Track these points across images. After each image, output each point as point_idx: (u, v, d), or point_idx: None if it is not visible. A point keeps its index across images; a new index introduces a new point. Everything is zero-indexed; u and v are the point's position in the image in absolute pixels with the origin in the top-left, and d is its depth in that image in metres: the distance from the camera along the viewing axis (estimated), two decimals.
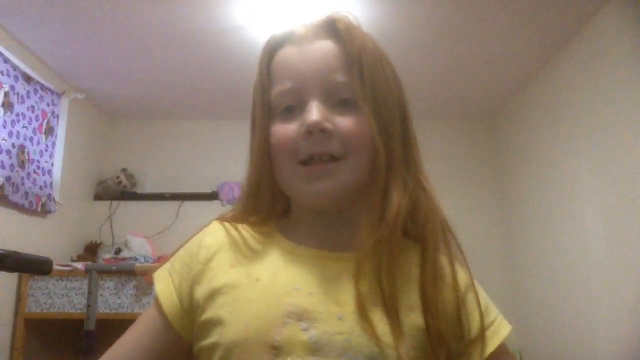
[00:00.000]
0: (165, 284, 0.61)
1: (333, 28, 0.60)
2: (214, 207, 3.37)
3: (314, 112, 0.56)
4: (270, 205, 0.64)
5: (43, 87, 2.73)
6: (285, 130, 0.58)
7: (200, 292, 0.58)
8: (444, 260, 0.59)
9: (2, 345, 2.42)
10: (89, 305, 2.01)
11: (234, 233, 0.62)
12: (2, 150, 2.35)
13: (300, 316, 0.53)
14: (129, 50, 2.66)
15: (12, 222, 2.49)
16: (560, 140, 2.74)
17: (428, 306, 0.55)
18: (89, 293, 2.04)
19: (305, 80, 0.58)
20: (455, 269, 0.59)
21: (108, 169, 3.48)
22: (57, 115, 2.89)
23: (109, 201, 3.37)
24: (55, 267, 2.15)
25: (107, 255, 3.02)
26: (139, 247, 3.02)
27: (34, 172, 2.63)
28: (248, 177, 0.64)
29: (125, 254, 2.97)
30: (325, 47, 0.59)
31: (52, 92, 2.82)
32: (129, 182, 3.41)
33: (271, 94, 0.60)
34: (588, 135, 2.47)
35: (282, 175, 0.60)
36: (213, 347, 0.55)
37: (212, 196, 3.39)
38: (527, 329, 3.12)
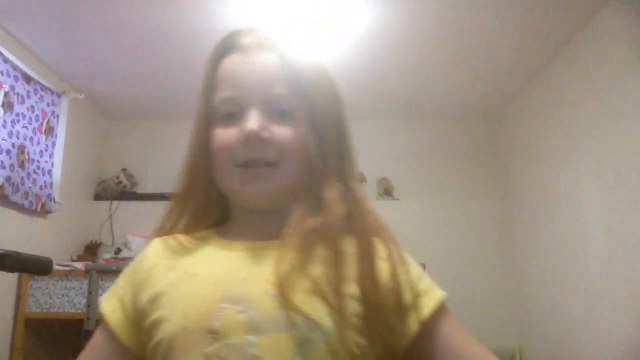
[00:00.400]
0: (110, 303, 0.63)
1: (277, 42, 0.64)
2: None
3: (253, 121, 0.60)
4: (202, 205, 0.67)
5: (43, 87, 2.73)
6: (225, 135, 0.62)
7: (144, 299, 0.60)
8: (377, 241, 0.62)
9: (2, 345, 2.42)
10: (89, 305, 2.01)
11: (172, 241, 0.65)
12: (2, 150, 2.35)
13: (236, 300, 0.55)
14: (129, 50, 2.66)
15: (12, 222, 2.49)
16: (561, 140, 2.74)
17: (364, 277, 0.57)
18: (89, 293, 2.04)
19: (247, 90, 0.62)
20: (388, 245, 0.61)
21: (108, 169, 3.48)
22: (57, 115, 2.89)
23: (109, 201, 3.37)
24: (55, 267, 2.15)
25: (107, 255, 3.02)
26: (139, 247, 3.02)
27: (34, 172, 2.63)
28: (183, 175, 0.68)
29: (125, 254, 2.98)
30: (268, 59, 0.63)
31: (52, 92, 2.82)
32: (129, 182, 3.41)
33: (214, 99, 0.64)
34: (588, 136, 2.47)
35: (221, 175, 0.63)
36: (157, 345, 0.57)
37: None
38: (527, 329, 3.12)
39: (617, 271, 2.25)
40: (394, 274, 0.59)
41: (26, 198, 2.53)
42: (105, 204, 3.37)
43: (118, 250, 3.04)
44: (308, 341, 0.53)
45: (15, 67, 2.49)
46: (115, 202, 3.37)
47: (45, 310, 2.48)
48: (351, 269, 0.57)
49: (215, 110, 0.63)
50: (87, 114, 3.32)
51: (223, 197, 0.66)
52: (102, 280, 2.45)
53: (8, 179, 2.37)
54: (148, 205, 3.39)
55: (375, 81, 3.03)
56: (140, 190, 3.47)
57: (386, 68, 2.86)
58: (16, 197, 2.44)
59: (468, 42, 2.60)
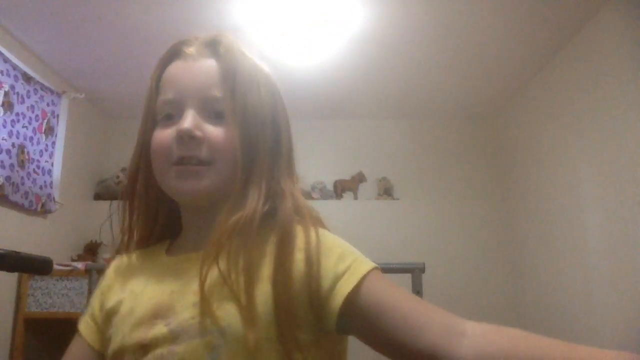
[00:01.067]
0: (84, 322, 0.70)
1: (216, 48, 0.68)
2: None
3: (187, 121, 0.63)
4: (147, 206, 0.72)
5: (43, 87, 2.73)
6: (163, 135, 0.65)
7: (103, 316, 0.68)
8: (298, 231, 0.62)
9: (2, 345, 2.42)
10: (89, 305, 2.01)
11: (125, 260, 0.72)
12: (2, 150, 2.36)
13: (165, 314, 0.59)
14: (129, 50, 2.66)
15: (12, 222, 2.49)
16: (560, 140, 2.74)
17: (276, 275, 0.58)
18: (89, 293, 2.03)
19: (185, 93, 0.66)
20: (307, 233, 0.61)
21: (108, 169, 3.48)
22: (57, 115, 2.89)
23: (109, 201, 3.36)
24: (55, 267, 2.15)
25: (107, 255, 3.02)
26: None
27: (34, 172, 2.63)
28: (127, 176, 0.73)
29: None
30: (207, 65, 0.67)
31: (52, 92, 2.82)
32: None
33: (157, 102, 0.68)
34: (588, 135, 2.47)
35: (158, 173, 0.67)
36: (109, 358, 0.63)
37: None
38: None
39: (617, 270, 2.25)
40: (308, 264, 0.59)
41: (26, 198, 2.53)
42: (105, 204, 3.37)
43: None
44: (219, 346, 0.56)
45: (15, 67, 2.49)
46: (116, 202, 3.37)
47: (45, 310, 2.49)
48: (267, 267, 0.59)
49: (157, 113, 0.67)
50: (87, 114, 3.32)
51: (171, 201, 0.70)
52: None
53: (8, 178, 2.37)
54: None
55: (375, 81, 3.03)
56: None
57: (386, 68, 2.86)
58: (16, 197, 2.44)
59: (467, 42, 2.60)
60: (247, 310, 0.56)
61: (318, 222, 0.65)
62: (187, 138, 0.63)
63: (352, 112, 3.48)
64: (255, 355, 0.55)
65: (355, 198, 3.46)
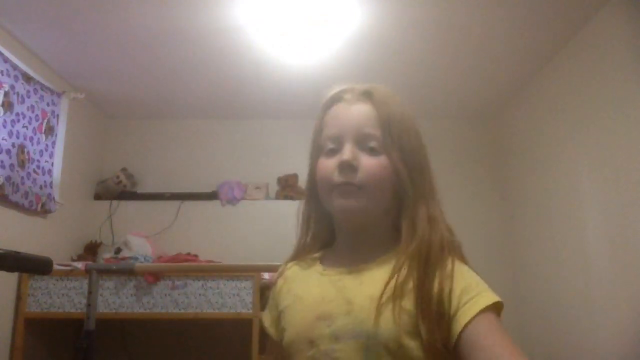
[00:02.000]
0: (266, 315, 0.91)
1: (371, 95, 0.84)
2: (214, 207, 3.37)
3: (347, 152, 0.78)
4: (317, 221, 0.87)
5: (43, 87, 2.73)
6: (326, 163, 0.81)
7: (277, 314, 0.86)
8: (444, 259, 0.75)
9: (2, 345, 2.42)
10: (89, 305, 2.01)
11: (289, 272, 0.89)
12: (2, 150, 2.36)
13: (325, 318, 0.75)
14: (129, 50, 2.66)
15: (12, 222, 2.49)
16: (560, 140, 2.74)
17: (421, 292, 0.71)
18: (89, 293, 2.03)
19: (344, 129, 0.81)
20: (451, 261, 0.75)
21: (108, 169, 3.48)
22: (57, 115, 2.89)
23: (109, 201, 3.37)
24: (55, 267, 2.15)
25: (107, 255, 3.02)
26: (139, 246, 3.02)
27: (34, 171, 2.63)
28: (305, 199, 0.89)
29: (125, 253, 2.97)
30: (364, 108, 0.82)
31: (52, 92, 2.82)
32: (129, 181, 3.41)
33: (321, 136, 0.84)
34: (588, 135, 2.47)
35: (322, 194, 0.82)
36: (284, 346, 0.81)
37: (212, 196, 3.39)
38: (527, 328, 3.12)
39: (616, 270, 2.25)
40: (443, 289, 0.71)
41: (26, 198, 2.53)
42: (105, 204, 3.37)
43: (118, 250, 3.04)
44: (370, 347, 0.70)
45: (15, 67, 2.49)
46: (115, 202, 3.37)
47: (45, 310, 2.48)
48: (410, 284, 0.72)
49: (322, 146, 0.83)
50: (87, 114, 3.32)
51: (332, 219, 0.85)
52: (102, 280, 2.45)
53: (8, 178, 2.37)
54: (148, 205, 3.40)
55: (375, 81, 3.02)
56: (140, 190, 3.47)
57: (385, 68, 2.85)
58: (16, 197, 2.44)
59: (467, 42, 2.60)
60: (397, 321, 0.69)
61: (458, 252, 0.79)
62: (346, 166, 0.77)
63: None
64: (397, 357, 0.69)
65: None
